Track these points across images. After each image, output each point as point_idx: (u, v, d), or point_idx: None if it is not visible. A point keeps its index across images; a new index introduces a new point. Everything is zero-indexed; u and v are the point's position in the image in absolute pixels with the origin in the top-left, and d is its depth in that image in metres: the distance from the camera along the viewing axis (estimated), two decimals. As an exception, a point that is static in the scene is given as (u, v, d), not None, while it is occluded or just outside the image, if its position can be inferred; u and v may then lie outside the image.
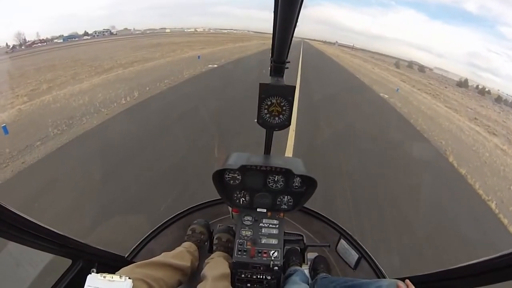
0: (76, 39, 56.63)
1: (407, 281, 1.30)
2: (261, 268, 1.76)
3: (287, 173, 1.90)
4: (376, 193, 6.00)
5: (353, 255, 2.10)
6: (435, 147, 10.43)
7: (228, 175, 1.96)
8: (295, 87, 1.55)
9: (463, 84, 57.71)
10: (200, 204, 2.58)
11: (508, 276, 0.93)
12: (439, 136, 11.94)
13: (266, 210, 1.99)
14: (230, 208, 2.27)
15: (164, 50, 31.37)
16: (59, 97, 11.57)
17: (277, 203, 2.00)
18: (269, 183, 1.95)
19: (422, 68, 72.96)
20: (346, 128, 10.08)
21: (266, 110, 1.62)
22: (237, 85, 14.40)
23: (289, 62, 1.49)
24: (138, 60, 22.94)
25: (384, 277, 1.94)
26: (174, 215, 2.46)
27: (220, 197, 2.00)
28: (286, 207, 2.01)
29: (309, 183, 1.91)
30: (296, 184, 1.94)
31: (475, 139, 14.62)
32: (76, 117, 8.88)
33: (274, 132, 1.79)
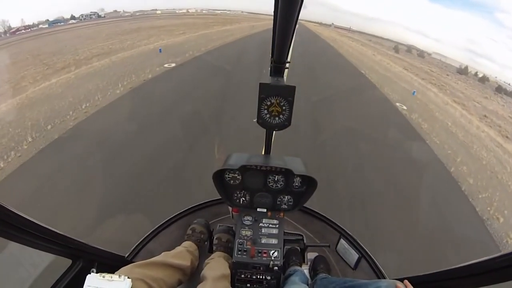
0: (62, 23, 53.00)
1: (406, 281, 1.28)
2: (261, 268, 1.74)
3: (287, 173, 1.87)
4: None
5: (353, 255, 2.05)
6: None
7: (228, 175, 1.93)
8: (295, 87, 1.49)
9: (463, 71, 56.76)
10: (200, 204, 2.56)
11: (508, 276, 0.91)
12: (496, 208, 7.51)
13: (266, 210, 1.96)
14: (230, 208, 2.23)
15: (139, 37, 28.01)
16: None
17: (277, 203, 1.98)
18: (269, 183, 1.92)
19: (421, 53, 69.32)
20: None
21: (266, 111, 1.57)
22: (180, 108, 9.58)
23: (289, 62, 1.47)
24: (102, 52, 19.58)
25: (384, 277, 1.97)
26: (174, 215, 2.43)
27: (220, 197, 1.97)
28: (286, 206, 1.98)
29: (309, 183, 1.89)
30: (296, 184, 1.91)
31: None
32: None
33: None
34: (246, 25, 55.62)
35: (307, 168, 1.81)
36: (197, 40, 26.66)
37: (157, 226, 2.32)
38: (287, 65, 1.48)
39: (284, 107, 1.55)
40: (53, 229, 1.19)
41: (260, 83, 1.47)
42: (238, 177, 1.91)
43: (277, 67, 1.49)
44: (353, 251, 2.04)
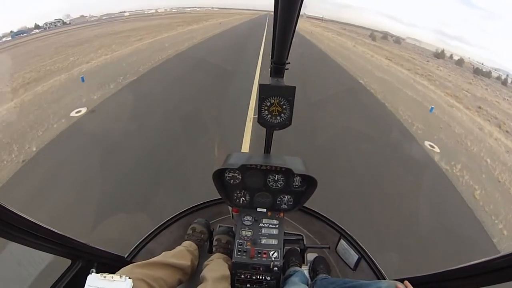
0: (25, 34, 49.62)
1: (406, 282, 1.24)
2: (261, 269, 1.69)
3: (287, 172, 1.82)
4: None
5: (353, 256, 2.00)
6: None
7: (228, 174, 1.86)
8: (295, 87, 1.47)
9: (440, 55, 56.75)
10: (200, 204, 2.46)
11: (508, 277, 0.88)
12: None
13: (266, 210, 1.90)
14: (230, 208, 2.16)
15: (88, 49, 23.30)
16: None
17: (277, 202, 1.92)
18: (269, 183, 1.86)
19: (397, 40, 68.86)
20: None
21: (266, 111, 1.55)
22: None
23: (289, 63, 1.46)
24: (35, 78, 14.29)
25: (384, 278, 1.88)
26: (174, 215, 2.33)
27: (220, 197, 1.91)
28: (286, 206, 1.92)
29: (309, 183, 1.83)
30: (296, 183, 1.85)
31: None
32: None
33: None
34: (214, 22, 52.00)
35: (307, 168, 1.78)
36: (146, 50, 21.29)
37: (157, 226, 2.23)
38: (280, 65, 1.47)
39: (284, 107, 1.52)
40: (52, 229, 1.16)
41: (260, 84, 1.47)
42: (238, 176, 1.86)
43: (277, 67, 1.47)
44: (353, 251, 2.00)
